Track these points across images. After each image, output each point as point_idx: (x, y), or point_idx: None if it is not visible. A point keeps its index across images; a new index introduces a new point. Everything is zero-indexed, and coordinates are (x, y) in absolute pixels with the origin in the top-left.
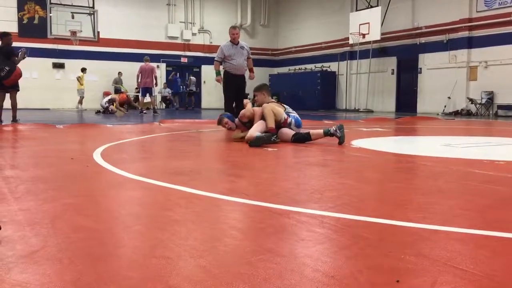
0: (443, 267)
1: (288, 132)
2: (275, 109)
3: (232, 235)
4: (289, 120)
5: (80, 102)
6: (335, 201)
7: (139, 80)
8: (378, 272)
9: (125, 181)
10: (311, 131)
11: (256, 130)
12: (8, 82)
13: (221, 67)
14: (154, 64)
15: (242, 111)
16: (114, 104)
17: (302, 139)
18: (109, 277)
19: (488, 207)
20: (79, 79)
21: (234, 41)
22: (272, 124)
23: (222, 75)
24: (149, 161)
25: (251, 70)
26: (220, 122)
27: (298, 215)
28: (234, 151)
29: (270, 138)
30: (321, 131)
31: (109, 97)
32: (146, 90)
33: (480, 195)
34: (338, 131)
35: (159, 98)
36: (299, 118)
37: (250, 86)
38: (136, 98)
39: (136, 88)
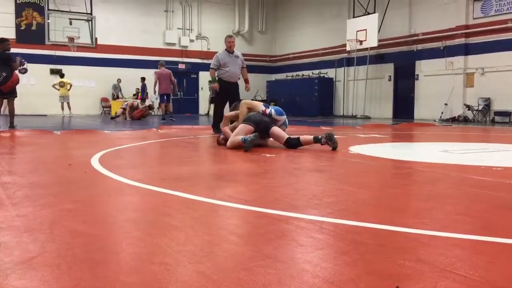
0: (443, 273)
1: (280, 134)
2: (251, 103)
3: (231, 241)
4: (268, 111)
5: (69, 107)
6: (334, 207)
7: (157, 87)
8: (377, 277)
9: (124, 187)
10: (301, 137)
11: (237, 134)
12: (5, 88)
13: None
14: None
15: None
16: (127, 110)
17: (293, 145)
18: (107, 283)
19: (486, 213)
20: (62, 84)
21: (230, 50)
22: (240, 122)
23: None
24: (147, 167)
25: (246, 81)
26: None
27: (297, 221)
28: (233, 157)
29: (257, 136)
30: (311, 137)
31: (127, 103)
32: (166, 96)
33: (478, 200)
34: (329, 141)
35: (156, 105)
36: (280, 108)
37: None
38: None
39: (134, 94)
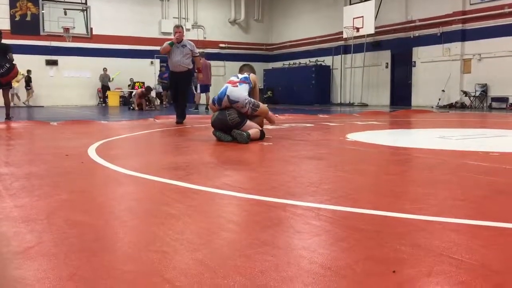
0: (439, 257)
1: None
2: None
3: (229, 229)
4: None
5: (16, 98)
6: (331, 194)
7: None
8: (374, 263)
9: (121, 176)
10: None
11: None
12: (5, 79)
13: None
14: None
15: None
16: (149, 97)
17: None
18: (105, 271)
19: (483, 198)
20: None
21: (177, 40)
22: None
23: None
24: (144, 157)
25: (198, 70)
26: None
27: (294, 208)
28: (230, 146)
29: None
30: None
31: (136, 91)
32: (206, 86)
33: (475, 186)
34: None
35: (153, 94)
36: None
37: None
38: (129, 95)
39: (129, 85)
